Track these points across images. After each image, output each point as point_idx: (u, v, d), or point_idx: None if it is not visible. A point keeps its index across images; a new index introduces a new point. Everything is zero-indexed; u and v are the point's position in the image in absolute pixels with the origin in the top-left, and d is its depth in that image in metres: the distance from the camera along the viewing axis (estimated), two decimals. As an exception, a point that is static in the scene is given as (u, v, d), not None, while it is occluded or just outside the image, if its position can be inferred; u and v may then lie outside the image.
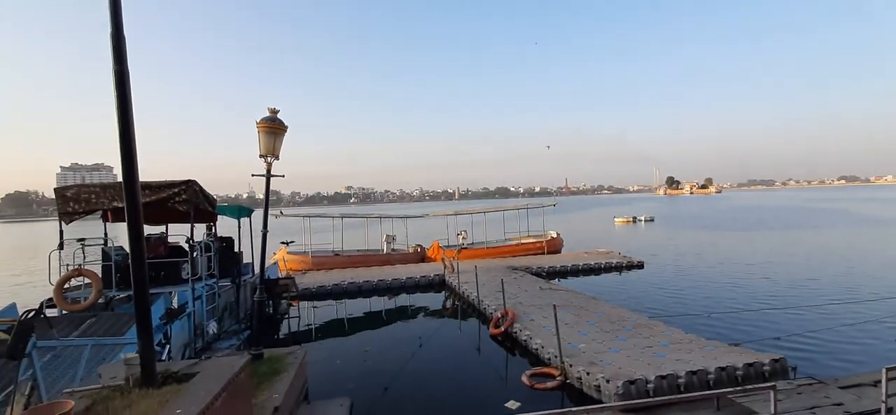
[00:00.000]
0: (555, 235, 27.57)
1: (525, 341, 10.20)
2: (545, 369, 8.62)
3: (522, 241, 27.26)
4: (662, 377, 7.18)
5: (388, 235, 25.95)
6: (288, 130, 8.69)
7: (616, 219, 59.36)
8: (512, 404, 7.46)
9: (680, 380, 7.21)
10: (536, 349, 9.56)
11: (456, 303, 15.68)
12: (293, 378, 7.01)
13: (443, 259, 19.55)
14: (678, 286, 17.12)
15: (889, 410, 5.38)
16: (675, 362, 7.85)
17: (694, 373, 7.31)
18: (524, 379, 8.32)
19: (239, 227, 12.95)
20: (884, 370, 5.57)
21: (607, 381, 7.19)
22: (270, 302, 13.19)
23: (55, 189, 9.45)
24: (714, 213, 69.78)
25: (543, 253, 25.28)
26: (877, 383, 5.93)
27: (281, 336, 12.83)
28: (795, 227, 41.64)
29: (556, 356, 8.54)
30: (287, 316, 14.58)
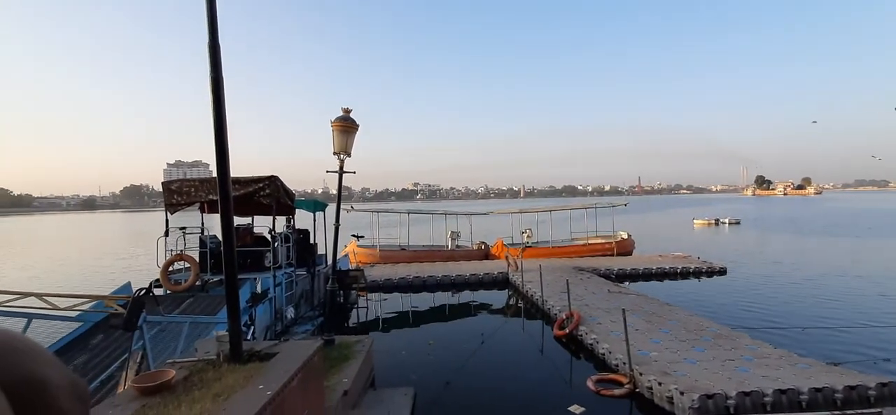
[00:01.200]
0: (625, 237, 26.26)
1: (591, 344, 9.87)
2: (612, 375, 8.29)
3: (590, 241, 26.27)
4: (746, 394, 6.60)
5: (452, 232, 26.26)
6: (359, 129, 9.12)
7: (695, 221, 55.07)
8: (575, 409, 7.26)
9: (766, 398, 6.58)
10: (603, 354, 9.21)
11: (519, 302, 15.53)
12: (361, 365, 7.37)
13: (506, 257, 19.41)
14: (767, 296, 15.56)
15: None
16: (760, 378, 7.20)
17: (783, 392, 6.64)
18: (589, 384, 8.06)
19: (314, 220, 13.83)
20: None
21: (682, 393, 6.76)
22: (341, 292, 13.93)
23: (162, 183, 10.70)
24: (812, 216, 62.36)
25: (613, 255, 24.19)
26: None
27: (350, 325, 13.50)
28: (917, 235, 36.05)
29: (624, 363, 8.18)
30: (356, 306, 15.32)
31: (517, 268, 17.95)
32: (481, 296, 16.86)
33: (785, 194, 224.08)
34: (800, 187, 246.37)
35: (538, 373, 9.39)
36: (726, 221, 53.87)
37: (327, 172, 9.57)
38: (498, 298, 16.64)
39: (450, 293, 17.32)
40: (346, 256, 19.77)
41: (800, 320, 12.05)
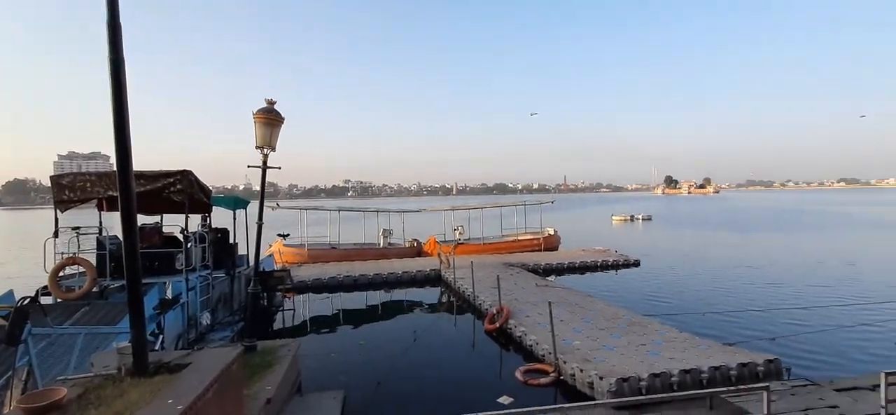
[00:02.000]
0: (552, 233, 27.60)
1: (520, 337, 10.22)
2: (539, 366, 8.64)
3: (519, 237, 27.30)
4: (656, 375, 7.20)
5: (384, 230, 25.95)
6: (285, 122, 8.65)
7: (613, 217, 59.47)
8: (504, 399, 7.47)
9: (673, 379, 7.23)
10: (531, 346, 9.58)
11: (451, 298, 15.70)
12: (286, 370, 7.01)
13: (439, 254, 19.53)
14: (674, 285, 17.16)
15: None
16: (668, 360, 7.88)
17: (687, 372, 7.33)
18: (518, 375, 8.34)
19: (234, 218, 12.92)
20: (883, 375, 5.57)
21: (600, 378, 7.21)
22: (265, 294, 13.17)
23: (51, 177, 9.39)
24: (712, 213, 69.94)
25: (540, 250, 25.31)
26: (874, 387, 5.95)
27: (275, 329, 12.82)
28: (794, 229, 41.75)
29: (550, 353, 8.56)
30: (282, 309, 14.57)
31: (449, 265, 18.14)
32: (414, 294, 16.82)
33: (689, 193, 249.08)
34: (701, 187, 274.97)
35: (469, 367, 9.55)
36: (640, 217, 58.74)
37: (249, 167, 8.99)
38: (430, 295, 16.70)
39: (382, 292, 17.08)
40: (270, 256, 18.74)
41: (701, 306, 13.42)
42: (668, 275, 19.50)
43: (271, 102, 8.50)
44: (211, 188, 11.03)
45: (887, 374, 5.60)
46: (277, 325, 13.19)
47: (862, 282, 17.04)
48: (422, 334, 11.64)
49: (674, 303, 14.16)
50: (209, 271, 10.66)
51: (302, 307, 15.14)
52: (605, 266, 20.77)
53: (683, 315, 12.10)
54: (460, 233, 26.55)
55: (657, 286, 17.04)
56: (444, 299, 15.92)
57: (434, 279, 18.61)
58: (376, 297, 16.49)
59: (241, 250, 13.40)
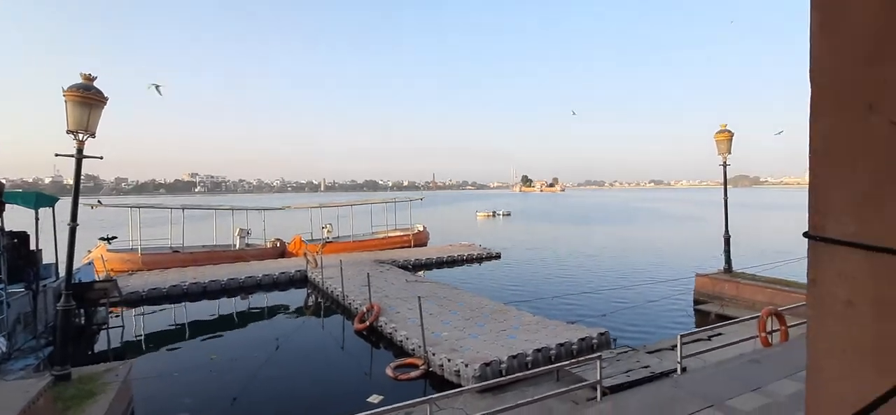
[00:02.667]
0: (421, 229, 28.27)
1: (390, 334, 10.21)
2: (409, 360, 8.73)
3: (389, 234, 27.35)
4: (513, 357, 7.85)
5: (241, 229, 23.52)
6: (108, 102, 7.18)
7: (478, 213, 63.67)
8: (374, 399, 7.37)
9: (528, 358, 7.97)
10: (401, 341, 9.63)
11: (319, 300, 14.98)
12: (113, 399, 5.85)
13: (305, 254, 18.46)
14: (529, 274, 19.05)
15: (684, 368, 6.70)
16: (524, 342, 8.66)
17: (539, 350, 8.16)
18: (388, 372, 8.32)
19: (37, 219, 10.34)
20: (678, 337, 6.90)
21: (466, 365, 7.59)
22: (82, 310, 10.84)
23: None
24: (559, 208, 79.67)
25: (410, 246, 25.73)
26: (674, 347, 7.34)
27: (99, 351, 10.67)
28: (619, 222, 49.91)
29: (419, 347, 8.71)
30: (107, 327, 12.14)
31: (317, 265, 17.29)
32: (276, 298, 15.61)
33: (541, 191, 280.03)
34: (551, 185, 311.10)
35: (338, 369, 9.21)
36: (501, 213, 63.90)
37: (57, 155, 7.28)
38: (296, 297, 15.69)
39: (238, 299, 15.47)
40: (90, 264, 15.52)
41: (551, 291, 15.12)
42: (524, 265, 21.57)
43: (89, 78, 6.98)
44: (3, 181, 8.64)
45: (682, 335, 6.97)
46: (101, 346, 10.98)
47: (664, 262, 21.13)
48: (285, 340, 10.84)
49: (528, 290, 15.67)
50: (2, 286, 8.37)
51: (135, 323, 12.86)
52: (470, 259, 22.03)
53: (536, 300, 13.46)
54: (329, 231, 25.50)
55: (515, 276, 18.71)
56: (312, 302, 15.11)
57: (300, 281, 17.54)
58: (231, 305, 14.87)
59: (48, 258, 10.84)
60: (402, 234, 27.32)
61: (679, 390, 5.10)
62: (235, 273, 17.33)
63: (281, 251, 23.38)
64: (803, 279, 1.16)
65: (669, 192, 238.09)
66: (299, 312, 14.01)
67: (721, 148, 13.29)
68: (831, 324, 1.09)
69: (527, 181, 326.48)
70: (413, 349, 9.06)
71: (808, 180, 1.17)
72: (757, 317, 7.81)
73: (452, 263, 21.43)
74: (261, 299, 15.38)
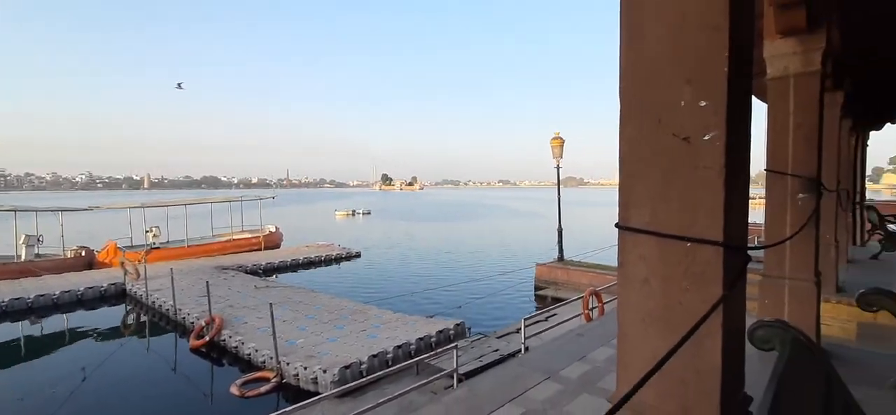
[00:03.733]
0: (273, 230, 26.17)
1: (235, 347, 9.20)
2: (259, 374, 7.99)
3: (235, 237, 24.62)
4: (374, 356, 7.80)
5: (28, 236, 18.57)
6: None
7: (337, 212, 61.68)
8: (217, 423, 6.55)
9: (388, 355, 8.01)
10: (249, 355, 8.76)
11: (143, 317, 12.72)
12: None
13: (122, 264, 15.40)
14: (390, 272, 19.18)
15: (527, 348, 7.46)
16: (385, 340, 8.67)
17: (400, 347, 8.26)
18: (233, 390, 7.47)
19: None
20: (522, 320, 7.67)
21: (324, 371, 7.27)
22: None
23: None
24: (418, 206, 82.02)
25: (260, 249, 23.60)
26: (519, 330, 8.14)
27: None
28: (472, 218, 53.64)
29: (271, 358, 8.04)
30: None
31: (139, 275, 14.60)
32: (82, 318, 12.76)
33: (401, 189, 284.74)
34: (410, 184, 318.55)
35: (170, 395, 7.93)
36: (361, 212, 63.01)
37: None
38: (110, 316, 13.05)
39: (26, 323, 12.21)
40: None
41: (411, 287, 15.45)
42: (384, 263, 21.63)
43: None
44: None
45: (525, 319, 7.77)
46: None
47: (510, 254, 23.44)
48: (95, 369, 8.93)
49: (390, 288, 15.77)
50: None
51: None
52: (328, 260, 21.21)
53: (397, 298, 13.61)
54: (156, 235, 21.74)
55: (376, 275, 18.64)
56: (133, 320, 12.74)
57: (115, 296, 14.64)
58: (16, 331, 11.66)
59: None
60: (250, 236, 24.87)
61: (523, 368, 5.68)
62: (18, 292, 13.61)
63: (87, 262, 19.17)
64: (617, 263, 1.37)
65: (515, 191, 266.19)
66: (115, 333, 11.70)
67: (555, 152, 15.28)
68: (633, 298, 1.31)
69: (387, 180, 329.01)
70: (263, 362, 8.32)
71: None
72: (581, 297, 9.18)
73: (309, 264, 20.35)
74: (58, 322, 12.39)
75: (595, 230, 33.91)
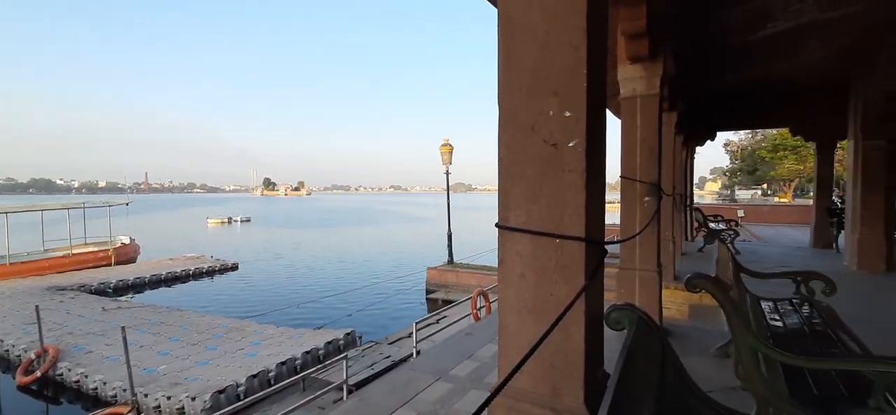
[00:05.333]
0: (127, 242, 22.55)
1: (77, 381, 7.73)
2: (109, 411, 6.79)
3: (75, 251, 20.65)
4: (254, 376, 7.18)
5: None
6: None
7: (209, 220, 55.48)
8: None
9: (271, 374, 7.43)
10: (95, 388, 7.43)
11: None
12: None
13: None
14: (272, 284, 17.84)
15: (418, 351, 7.51)
16: (266, 357, 8.03)
17: (283, 363, 7.73)
18: (74, 433, 6.27)
19: None
20: (413, 324, 7.72)
21: (193, 399, 6.48)
22: None
23: None
24: (305, 213, 77.87)
25: (110, 264, 20.18)
26: (410, 335, 8.17)
27: None
28: (363, 224, 52.58)
29: (124, 390, 6.91)
30: None
31: (-66, 303, 11.48)
32: None
33: (286, 195, 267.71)
34: (296, 189, 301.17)
35: (-21, 452, 6.36)
36: (238, 219, 57.68)
37: None
38: None
39: None
40: None
41: (297, 299, 14.56)
42: (266, 275, 20.07)
43: None
44: None
45: (416, 323, 7.85)
46: None
47: (402, 259, 23.50)
48: None
49: (272, 301, 14.66)
50: None
51: None
52: (198, 274, 18.99)
53: (281, 310, 12.72)
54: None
55: (256, 287, 17.21)
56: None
57: None
58: None
59: None
60: (96, 249, 21.08)
61: (415, 371, 5.71)
62: None
63: None
64: (497, 262, 1.46)
65: (407, 196, 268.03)
66: None
67: (444, 159, 15.76)
68: (512, 292, 1.41)
69: (270, 184, 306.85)
70: (114, 395, 7.12)
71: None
72: (470, 298, 9.57)
73: (174, 280, 18.00)
74: None
75: (483, 233, 35.69)
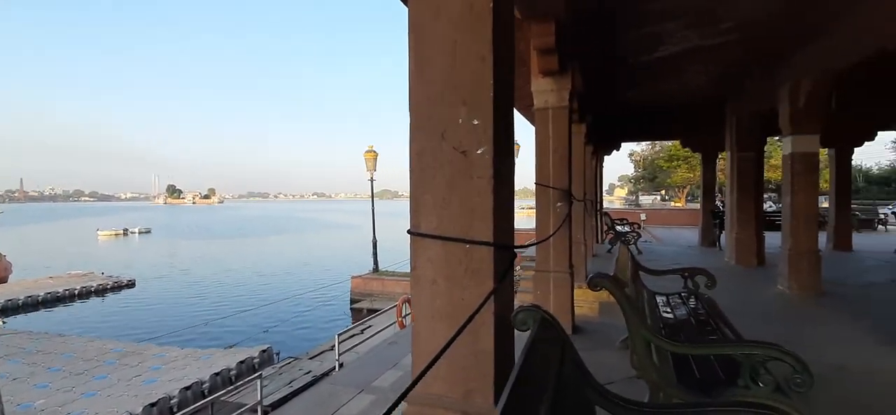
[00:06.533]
0: (-5, 259, 19.35)
1: (-81, 430, 6.42)
2: (-36, 461, 5.73)
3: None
4: (152, 405, 6.48)
5: None
6: None
7: (100, 232, 49.23)
8: None
9: (173, 400, 6.76)
10: (-54, 436, 6.22)
11: None
12: None
13: None
14: (176, 301, 16.26)
15: (341, 364, 7.25)
16: (168, 383, 7.30)
17: (188, 388, 7.06)
18: (-87, 493, 5.17)
19: None
20: (336, 336, 7.46)
21: (77, 436, 5.68)
22: None
23: None
24: (216, 222, 72.14)
25: (-29, 286, 17.15)
26: (333, 348, 7.87)
27: None
28: (284, 232, 49.91)
29: (-13, 434, 5.87)
30: None
31: None
32: None
33: (194, 203, 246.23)
34: (206, 197, 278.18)
35: None
36: (136, 230, 51.88)
37: None
38: None
39: None
40: None
41: (205, 316, 13.40)
42: (170, 291, 18.25)
43: None
44: None
45: (338, 335, 7.60)
46: None
47: (325, 269, 22.66)
48: None
49: (176, 320, 13.37)
50: None
51: None
52: (86, 293, 16.80)
53: (186, 330, 11.65)
54: None
55: (157, 306, 15.57)
56: None
57: None
58: None
59: None
60: (-49, 269, 17.83)
61: (336, 385, 5.51)
62: None
63: None
64: (409, 268, 1.45)
65: (331, 203, 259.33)
66: None
67: (369, 165, 15.50)
68: (424, 298, 1.40)
69: (175, 192, 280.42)
70: (-26, 441, 6.02)
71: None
72: (395, 306, 9.47)
73: (56, 301, 15.74)
74: None
75: (407, 239, 35.56)
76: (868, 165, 35.20)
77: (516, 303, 1.50)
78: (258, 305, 14.87)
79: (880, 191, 30.23)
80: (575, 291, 4.38)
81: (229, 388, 6.67)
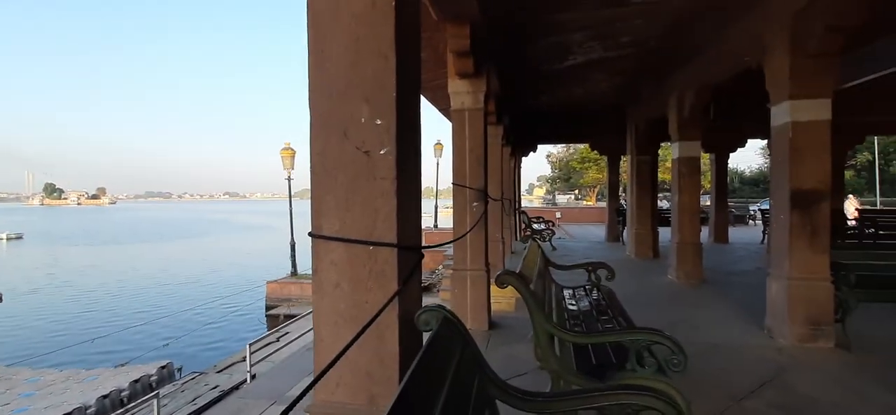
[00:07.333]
0: None
1: None
2: None
3: None
4: (22, 439, 5.58)
5: None
6: None
7: (-45, 239, 41.60)
8: None
9: (50, 431, 5.88)
10: None
11: None
12: None
13: None
14: (54, 318, 14.19)
15: (253, 375, 6.79)
16: (43, 410, 6.34)
17: (69, 415, 6.19)
18: None
19: None
20: (247, 346, 6.99)
21: (-85, 486, 4.72)
22: None
23: None
24: (105, 226, 64.11)
25: None
26: (244, 359, 7.35)
27: None
28: (190, 237, 45.64)
29: None
30: None
31: None
32: None
33: (79, 204, 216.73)
34: (94, 197, 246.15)
35: None
36: (4, 236, 44.50)
37: None
38: None
39: None
40: None
41: (90, 333, 11.79)
42: (45, 306, 15.87)
43: None
44: None
45: (250, 344, 7.15)
46: None
47: (237, 274, 21.12)
48: None
49: (54, 339, 11.67)
50: None
51: None
52: (-67, 313, 14.04)
53: (66, 350, 10.18)
54: None
55: (30, 324, 13.47)
56: None
57: None
58: None
59: None
60: None
61: (246, 399, 5.18)
62: None
63: None
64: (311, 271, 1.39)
65: (244, 203, 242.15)
66: None
67: (286, 163, 14.72)
68: (327, 302, 1.35)
69: (54, 191, 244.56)
70: None
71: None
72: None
73: None
74: None
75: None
76: (742, 168, 40.94)
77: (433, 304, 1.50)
78: (157, 316, 13.47)
79: (751, 190, 35.19)
80: (491, 288, 4.52)
81: (119, 411, 5.96)
